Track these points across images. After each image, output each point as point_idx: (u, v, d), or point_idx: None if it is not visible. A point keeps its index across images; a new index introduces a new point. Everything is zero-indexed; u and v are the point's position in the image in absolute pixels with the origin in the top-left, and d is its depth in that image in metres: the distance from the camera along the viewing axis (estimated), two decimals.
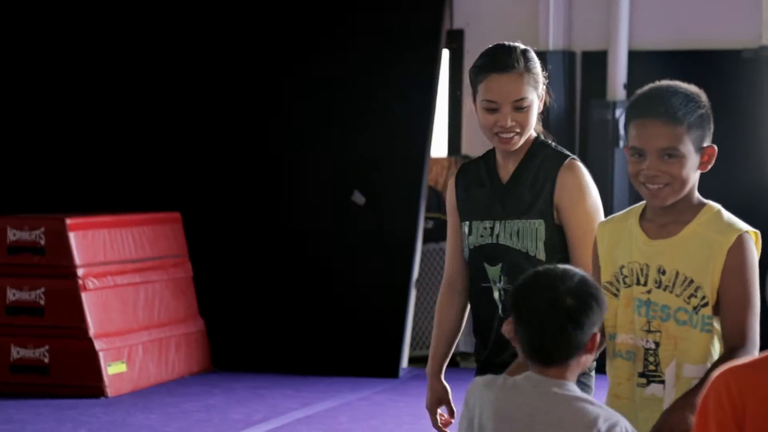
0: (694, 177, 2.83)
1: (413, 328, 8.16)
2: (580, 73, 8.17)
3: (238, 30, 8.29)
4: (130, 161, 8.37)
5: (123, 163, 8.38)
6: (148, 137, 8.38)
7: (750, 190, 7.73)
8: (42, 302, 7.16)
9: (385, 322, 7.85)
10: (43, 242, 7.18)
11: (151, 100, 8.37)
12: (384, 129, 8.02)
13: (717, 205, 2.87)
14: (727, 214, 2.85)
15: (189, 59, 8.33)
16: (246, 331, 8.05)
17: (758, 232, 2.86)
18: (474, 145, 8.58)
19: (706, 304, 2.74)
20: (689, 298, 2.76)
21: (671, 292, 2.77)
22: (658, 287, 2.78)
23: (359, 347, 7.85)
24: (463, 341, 8.31)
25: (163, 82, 8.36)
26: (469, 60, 8.53)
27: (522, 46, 3.37)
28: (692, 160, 2.83)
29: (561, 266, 2.65)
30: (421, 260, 8.17)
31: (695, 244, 2.77)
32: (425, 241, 8.21)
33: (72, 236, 7.17)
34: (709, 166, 2.86)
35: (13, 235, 7.23)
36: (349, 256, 8.00)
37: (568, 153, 3.34)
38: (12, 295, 7.21)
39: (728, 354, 2.69)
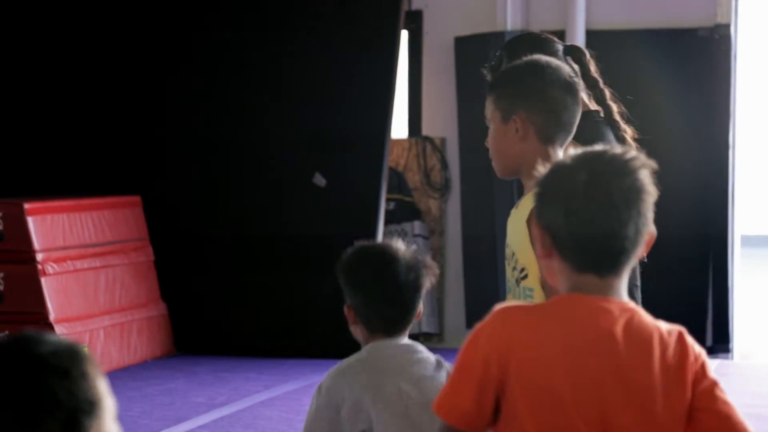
0: (515, 148, 2.76)
1: None
2: None
3: (192, 8, 8.24)
4: (89, 145, 8.31)
5: (82, 147, 8.32)
6: (107, 121, 8.33)
7: (706, 168, 7.81)
8: (1, 288, 7.11)
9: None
10: (1, 227, 7.13)
11: (109, 83, 8.31)
12: (344, 110, 8.01)
13: None
14: None
15: (142, 42, 8.28)
16: (208, 315, 8.04)
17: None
18: (434, 127, 8.61)
19: (525, 277, 2.74)
20: (513, 270, 2.79)
21: (508, 265, 2.82)
22: (506, 261, 2.86)
23: (319, 329, 7.86)
24: (425, 321, 8.34)
25: (118, 66, 8.30)
26: (428, 41, 8.55)
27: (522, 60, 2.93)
28: (501, 129, 2.79)
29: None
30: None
31: (516, 218, 2.79)
32: (386, 222, 8.23)
33: (30, 221, 7.12)
34: (528, 136, 2.73)
35: None
36: (312, 239, 8.00)
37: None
38: None
39: None
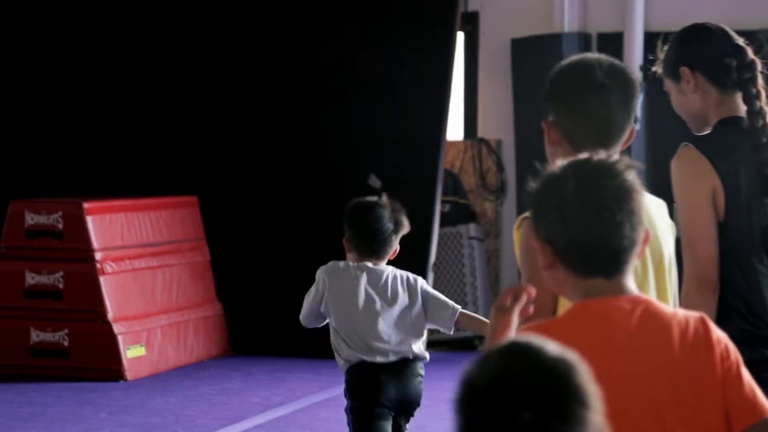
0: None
1: None
2: None
3: (252, 14, 8.29)
4: (148, 145, 8.39)
5: (140, 147, 8.40)
6: (166, 122, 8.39)
7: None
8: (61, 286, 7.20)
9: None
10: (61, 226, 7.21)
11: (169, 84, 8.38)
12: (400, 112, 8.01)
13: None
14: None
15: (206, 45, 8.33)
16: (264, 315, 8.07)
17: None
18: (490, 129, 8.58)
19: None
20: None
21: None
22: None
23: None
24: None
25: (179, 67, 8.37)
26: (484, 42, 8.52)
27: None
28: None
29: None
30: (438, 244, 8.18)
31: None
32: (442, 224, 8.21)
33: (89, 220, 7.20)
34: (555, 143, 2.66)
35: (31, 219, 7.26)
36: None
37: None
38: (31, 278, 7.24)
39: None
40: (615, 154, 2.20)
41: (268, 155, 8.21)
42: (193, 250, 7.88)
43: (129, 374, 7.14)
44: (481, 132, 8.59)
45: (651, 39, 7.92)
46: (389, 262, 4.20)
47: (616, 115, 2.61)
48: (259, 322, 8.08)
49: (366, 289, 4.12)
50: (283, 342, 7.98)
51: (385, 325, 4.08)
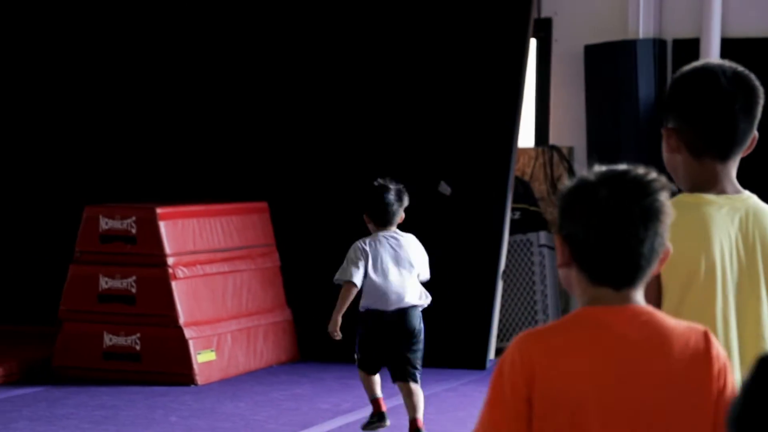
0: (667, 160, 2.69)
1: (500, 320, 8.11)
2: (671, 61, 8.04)
3: (323, 18, 8.31)
4: (220, 152, 8.44)
5: (212, 153, 8.46)
6: (238, 128, 8.45)
7: None
8: (133, 290, 7.26)
9: (472, 313, 7.82)
10: (134, 231, 7.28)
11: (243, 92, 8.43)
12: (471, 119, 7.98)
13: None
14: None
15: (276, 51, 8.38)
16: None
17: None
18: (562, 136, 8.50)
19: None
20: None
21: None
22: None
23: (445, 338, 7.82)
24: None
25: (252, 74, 8.42)
26: (557, 49, 8.45)
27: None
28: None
29: None
30: (508, 251, 8.12)
31: None
32: (512, 232, 8.16)
33: (162, 225, 7.26)
34: (674, 150, 2.62)
35: (105, 224, 7.34)
36: (436, 247, 7.98)
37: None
38: (104, 283, 7.31)
39: None
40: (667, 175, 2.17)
41: (339, 161, 8.22)
42: (263, 256, 7.91)
43: (200, 379, 7.18)
44: (553, 139, 8.52)
45: (728, 45, 7.82)
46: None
47: (739, 123, 2.57)
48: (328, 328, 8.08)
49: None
50: (352, 348, 7.96)
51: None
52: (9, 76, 8.89)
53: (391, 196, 5.74)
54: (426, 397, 6.95)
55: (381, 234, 5.71)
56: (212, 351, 7.33)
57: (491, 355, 7.81)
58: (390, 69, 8.15)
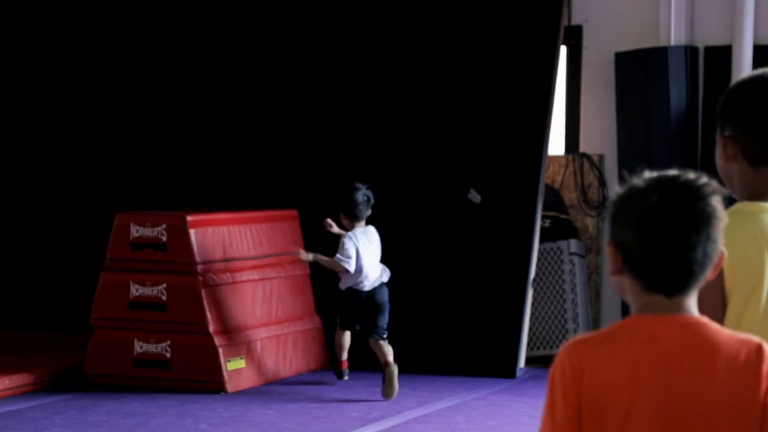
0: (722, 168, 2.62)
1: (530, 328, 8.08)
2: (703, 68, 7.99)
3: (354, 29, 8.32)
4: (250, 160, 8.46)
5: (243, 161, 8.48)
6: (268, 136, 8.47)
7: None
8: (164, 298, 7.29)
9: (502, 321, 7.80)
10: (164, 239, 7.30)
11: (272, 100, 8.45)
12: (501, 126, 7.96)
13: None
14: None
15: (307, 60, 8.39)
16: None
17: None
18: (592, 143, 8.47)
19: None
20: None
21: None
22: None
23: (475, 346, 7.80)
24: None
25: (282, 82, 8.44)
26: (587, 56, 8.42)
27: None
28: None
29: None
30: (538, 259, 8.09)
31: None
32: (542, 240, 8.13)
33: (192, 233, 7.28)
34: (730, 158, 2.56)
35: (136, 231, 7.37)
36: (465, 255, 7.96)
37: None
38: (135, 290, 7.34)
39: None
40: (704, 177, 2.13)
41: (368, 169, 8.22)
42: (292, 264, 7.92)
43: (229, 386, 7.19)
44: (583, 147, 8.48)
45: (761, 52, 7.76)
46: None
47: None
48: (356, 336, 8.08)
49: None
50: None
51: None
52: (42, 86, 8.96)
53: (361, 196, 7.06)
54: (456, 406, 6.94)
55: (358, 229, 7.07)
56: (242, 359, 7.34)
57: (521, 363, 7.78)
58: (420, 76, 8.15)
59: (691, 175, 2.11)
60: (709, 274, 2.10)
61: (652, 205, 2.07)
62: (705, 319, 2.12)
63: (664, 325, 2.08)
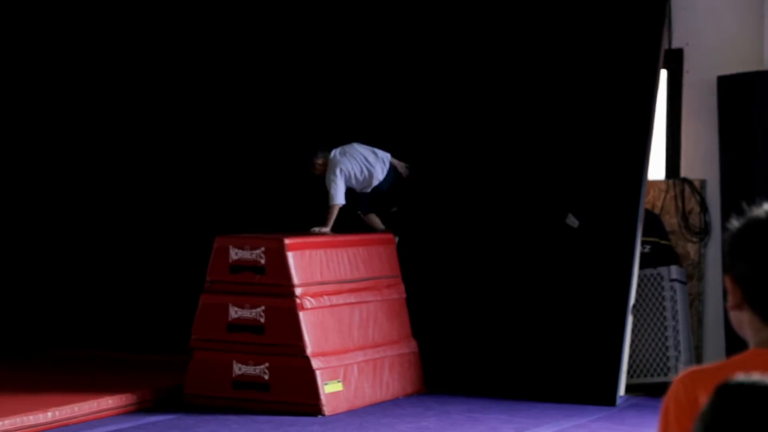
0: None
1: (630, 356, 7.96)
2: None
3: (448, 51, 8.33)
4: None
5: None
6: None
7: None
8: (262, 320, 7.34)
9: (601, 348, 7.69)
10: (263, 261, 7.37)
11: (368, 127, 8.49)
12: (599, 150, 7.88)
13: None
14: None
15: (391, 84, 8.42)
16: (459, 354, 8.03)
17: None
18: (694, 168, 8.33)
19: None
20: None
21: None
22: None
23: (574, 373, 7.71)
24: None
25: (375, 111, 8.48)
26: (688, 80, 8.31)
27: None
28: None
29: None
30: (638, 286, 7.97)
31: None
32: (642, 266, 8.01)
33: (290, 256, 7.33)
34: None
35: (235, 254, 7.45)
36: (564, 281, 7.88)
37: None
38: (234, 312, 7.42)
39: None
40: None
41: (464, 194, 8.20)
42: (389, 287, 7.92)
43: (327, 409, 7.21)
44: (684, 171, 8.35)
45: None
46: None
47: None
48: (453, 360, 8.05)
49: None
50: (478, 381, 7.91)
51: None
52: (144, 114, 9.14)
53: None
54: (563, 431, 6.84)
55: (336, 152, 8.01)
56: (339, 382, 7.35)
57: (621, 391, 7.66)
58: (520, 101, 8.12)
59: None
60: None
61: None
62: None
63: None
